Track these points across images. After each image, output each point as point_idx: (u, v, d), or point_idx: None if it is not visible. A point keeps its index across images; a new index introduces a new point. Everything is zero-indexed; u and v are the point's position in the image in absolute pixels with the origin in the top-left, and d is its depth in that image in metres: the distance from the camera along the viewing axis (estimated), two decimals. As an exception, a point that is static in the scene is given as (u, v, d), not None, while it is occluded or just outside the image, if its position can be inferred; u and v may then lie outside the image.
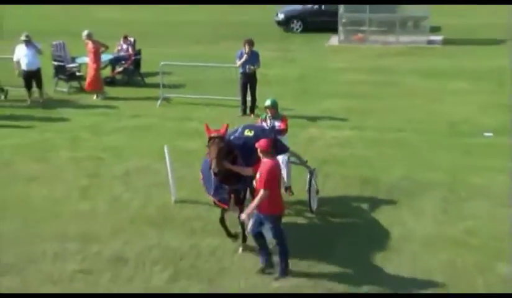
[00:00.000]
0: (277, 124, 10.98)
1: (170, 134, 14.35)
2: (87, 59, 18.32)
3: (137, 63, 19.64)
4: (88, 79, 18.01)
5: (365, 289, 8.47)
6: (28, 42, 16.91)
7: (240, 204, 9.30)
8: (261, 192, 8.35)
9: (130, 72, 19.60)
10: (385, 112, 16.06)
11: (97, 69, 17.96)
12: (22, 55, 16.99)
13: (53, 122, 15.92)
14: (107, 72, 19.43)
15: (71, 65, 18.89)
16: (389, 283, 8.65)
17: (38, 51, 17.08)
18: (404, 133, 14.33)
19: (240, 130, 9.78)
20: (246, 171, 9.01)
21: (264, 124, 10.99)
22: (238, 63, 15.76)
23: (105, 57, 19.06)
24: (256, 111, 15.84)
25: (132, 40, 19.93)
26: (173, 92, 17.71)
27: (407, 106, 16.35)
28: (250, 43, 15.77)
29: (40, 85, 17.30)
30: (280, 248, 8.73)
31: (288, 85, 18.63)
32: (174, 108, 16.82)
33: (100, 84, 18.18)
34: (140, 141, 14.32)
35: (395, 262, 9.13)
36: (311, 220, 10.48)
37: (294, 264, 8.87)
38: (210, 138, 8.74)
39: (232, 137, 9.45)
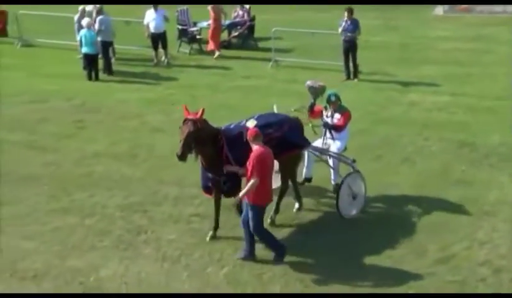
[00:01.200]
0: (336, 118, 9.39)
1: (278, 94, 14.28)
2: (206, 24, 18.73)
3: (251, 28, 19.64)
4: (209, 40, 18.36)
5: (457, 248, 8.15)
6: (156, 8, 17.31)
7: (224, 195, 8.17)
8: (251, 180, 7.40)
9: (244, 37, 19.62)
10: (484, 79, 15.23)
11: (217, 33, 18.24)
12: (150, 19, 17.37)
13: (176, 80, 16.23)
14: (224, 36, 19.56)
15: (193, 29, 19.11)
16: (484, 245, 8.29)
17: (165, 18, 17.47)
18: (502, 101, 13.55)
19: (244, 121, 8.36)
20: (242, 172, 7.78)
21: (324, 113, 9.43)
22: (340, 30, 15.48)
23: (223, 22, 19.27)
24: (359, 76, 15.58)
25: (247, 7, 19.88)
26: (282, 55, 17.55)
27: (506, 74, 15.42)
28: (350, 11, 15.38)
29: (165, 47, 17.68)
30: (260, 241, 7.83)
31: (389, 51, 18.02)
32: (283, 71, 16.69)
33: (218, 45, 18.44)
34: (251, 99, 14.34)
35: (490, 225, 8.72)
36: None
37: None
38: (184, 120, 7.67)
39: (223, 127, 8.17)
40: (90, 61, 16.06)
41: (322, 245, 8.28)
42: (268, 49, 17.75)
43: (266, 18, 20.24)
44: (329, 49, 16.71)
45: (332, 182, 9.49)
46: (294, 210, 9.04)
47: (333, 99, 9.37)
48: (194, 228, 8.72)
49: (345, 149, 9.55)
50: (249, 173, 7.43)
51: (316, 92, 9.40)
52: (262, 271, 7.65)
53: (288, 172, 8.82)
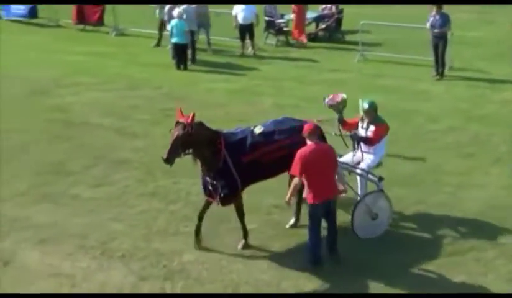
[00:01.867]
0: (371, 130, 8.48)
1: (364, 88, 14.13)
2: (292, 16, 18.88)
3: (338, 21, 19.53)
4: (294, 31, 18.65)
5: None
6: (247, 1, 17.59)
7: (221, 201, 7.75)
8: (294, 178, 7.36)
9: (331, 30, 19.55)
10: None
11: (302, 24, 18.47)
12: (239, 10, 17.64)
13: (262, 71, 16.39)
14: (311, 28, 19.55)
15: (280, 21, 19.22)
16: None
17: (256, 14, 17.78)
18: None
19: (252, 127, 8.01)
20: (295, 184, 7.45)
21: (359, 125, 8.64)
22: (428, 24, 15.10)
23: (310, 14, 19.29)
24: (445, 72, 15.20)
25: (336, -1, 19.83)
26: (369, 49, 17.34)
27: None
28: (438, 6, 14.99)
29: (252, 38, 17.88)
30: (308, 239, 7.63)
31: (483, 46, 17.42)
32: (370, 65, 16.50)
33: (303, 36, 18.57)
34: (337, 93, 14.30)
35: None
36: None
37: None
38: (176, 123, 7.48)
39: (225, 131, 7.89)
40: (179, 51, 16.47)
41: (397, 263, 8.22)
42: (355, 43, 17.59)
43: (354, 11, 20.02)
44: (418, 44, 16.34)
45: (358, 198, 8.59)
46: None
47: (365, 106, 8.49)
48: (274, 219, 8.81)
49: (381, 164, 8.78)
50: (292, 171, 7.39)
51: (338, 107, 8.57)
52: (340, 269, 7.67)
53: None
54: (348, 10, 19.79)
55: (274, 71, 16.37)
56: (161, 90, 14.77)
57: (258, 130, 7.83)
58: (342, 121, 8.61)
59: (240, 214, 7.93)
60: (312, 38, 19.22)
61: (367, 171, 8.52)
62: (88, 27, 21.22)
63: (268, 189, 9.29)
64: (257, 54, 17.82)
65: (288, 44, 18.92)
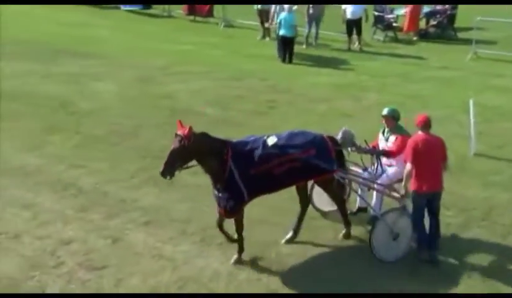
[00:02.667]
0: (391, 141, 7.88)
1: (475, 88, 13.59)
2: (403, 11, 18.47)
3: (451, 18, 18.86)
4: (406, 23, 18.44)
5: None
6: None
7: (226, 214, 7.44)
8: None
9: (443, 26, 18.93)
10: None
11: (416, 17, 18.24)
12: (348, 5, 17.48)
13: (367, 66, 16.15)
14: (421, 24, 19.05)
15: (389, 16, 18.85)
16: None
17: (364, 9, 17.53)
18: None
19: (265, 136, 7.58)
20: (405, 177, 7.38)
21: (380, 136, 8.08)
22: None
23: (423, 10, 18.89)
24: None
25: (449, -6, 19.18)
26: (484, 47, 16.64)
27: None
28: None
29: (359, 33, 17.66)
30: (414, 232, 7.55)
31: None
32: (483, 64, 15.85)
33: (417, 28, 18.38)
34: (445, 91, 13.82)
35: None
36: None
37: None
38: (175, 135, 7.24)
39: (235, 140, 7.55)
40: (286, 44, 16.54)
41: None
42: (468, 40, 16.95)
43: (470, 7, 19.27)
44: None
45: (371, 213, 8.12)
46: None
47: (383, 112, 7.95)
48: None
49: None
50: (404, 158, 7.51)
51: (348, 143, 7.87)
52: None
53: (331, 196, 8.05)
54: (463, 5, 19.06)
55: (379, 67, 16.09)
56: (266, 82, 14.90)
57: (271, 141, 7.44)
58: (362, 149, 7.92)
59: (239, 228, 7.53)
60: (423, 34, 18.71)
61: (386, 186, 7.88)
62: (198, 18, 21.81)
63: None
64: (363, 49, 17.59)
65: (396, 40, 18.52)
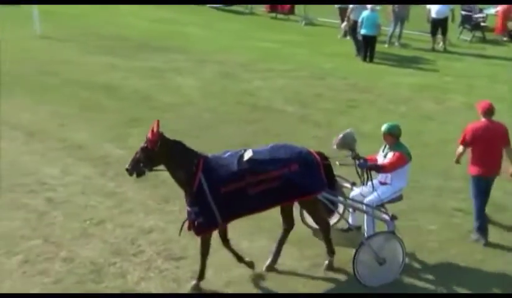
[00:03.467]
0: (388, 157, 7.34)
1: None
2: (494, 10, 17.85)
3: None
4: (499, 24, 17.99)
5: None
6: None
7: (194, 231, 6.79)
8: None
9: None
10: None
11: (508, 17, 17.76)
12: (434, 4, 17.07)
13: (452, 67, 15.70)
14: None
15: (478, 15, 18.24)
16: None
17: (450, 9, 17.08)
18: None
19: (242, 150, 6.86)
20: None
21: (380, 152, 7.55)
22: None
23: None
24: None
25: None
26: None
27: None
28: None
29: (444, 33, 17.19)
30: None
31: None
32: None
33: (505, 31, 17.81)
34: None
35: None
36: None
37: None
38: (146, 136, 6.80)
39: (210, 155, 6.87)
40: (368, 43, 16.32)
41: None
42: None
43: None
44: None
45: (364, 235, 7.37)
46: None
47: (382, 130, 7.39)
48: (456, 222, 8.41)
49: (399, 198, 7.51)
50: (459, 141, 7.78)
51: (346, 146, 7.28)
52: None
53: (316, 219, 7.30)
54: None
55: (465, 67, 15.60)
56: (346, 80, 14.75)
57: (246, 156, 6.72)
58: (358, 157, 7.25)
59: (204, 249, 6.89)
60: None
61: (375, 207, 7.27)
62: (280, 16, 21.87)
63: (453, 190, 8.97)
64: (448, 49, 17.10)
65: (483, 40, 17.90)
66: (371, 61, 16.31)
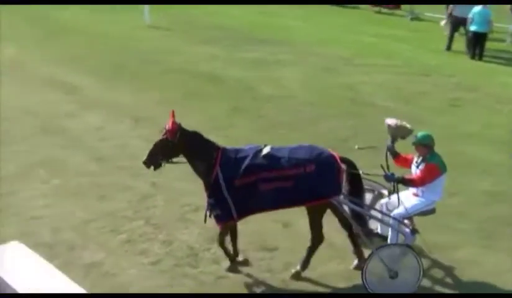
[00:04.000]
0: (420, 169, 6.90)
1: None
2: None
3: None
4: None
5: None
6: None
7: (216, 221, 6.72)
8: None
9: None
10: None
11: None
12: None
13: None
14: None
15: None
16: None
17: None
18: None
19: (262, 146, 6.69)
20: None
21: (414, 162, 7.05)
22: None
23: None
24: None
25: None
26: None
27: None
28: None
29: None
30: None
31: None
32: None
33: None
34: None
35: None
36: None
37: None
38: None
39: (230, 147, 6.82)
40: (477, 40, 15.67)
41: None
42: None
43: None
44: None
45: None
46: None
47: (414, 140, 6.93)
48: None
49: (432, 211, 7.06)
50: None
51: (395, 133, 7.01)
52: None
53: (312, 225, 6.89)
54: None
55: None
56: (452, 78, 14.26)
57: (264, 151, 6.56)
58: (392, 151, 7.04)
59: (220, 238, 6.91)
60: None
61: (399, 220, 6.82)
62: (384, 10, 21.43)
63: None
64: None
65: None
66: (480, 58, 15.67)
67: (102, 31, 17.91)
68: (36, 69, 14.39)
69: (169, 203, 8.61)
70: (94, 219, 8.10)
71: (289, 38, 17.82)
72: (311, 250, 6.92)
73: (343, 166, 6.66)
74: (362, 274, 6.54)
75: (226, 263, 7.17)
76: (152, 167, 6.87)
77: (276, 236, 7.77)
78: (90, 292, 5.66)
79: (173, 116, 6.73)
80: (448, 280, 7.06)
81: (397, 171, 7.04)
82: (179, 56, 15.92)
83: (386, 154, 7.05)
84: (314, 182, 6.42)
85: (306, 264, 6.93)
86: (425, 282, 6.83)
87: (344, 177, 6.67)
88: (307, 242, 6.97)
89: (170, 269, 7.15)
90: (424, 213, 7.03)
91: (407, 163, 7.12)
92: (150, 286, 6.81)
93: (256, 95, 13.17)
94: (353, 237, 7.00)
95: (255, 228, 8.03)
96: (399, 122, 6.98)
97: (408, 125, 6.99)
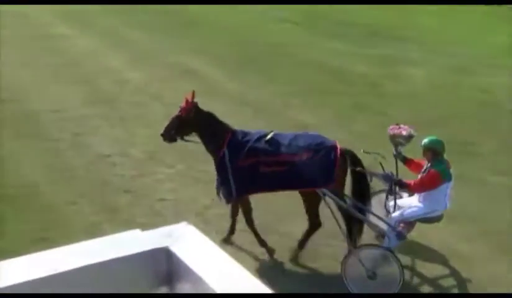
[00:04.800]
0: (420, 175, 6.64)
1: None
2: None
3: None
4: None
5: None
6: None
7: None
8: None
9: None
10: None
11: None
12: None
13: None
14: None
15: None
16: None
17: None
18: None
19: (268, 131, 6.99)
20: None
21: (424, 165, 6.73)
22: None
23: None
24: None
25: None
26: None
27: None
28: None
29: None
30: None
31: None
32: None
33: None
34: None
35: None
36: None
37: None
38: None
39: (239, 130, 7.09)
40: None
41: None
42: None
43: None
44: None
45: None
46: None
47: (422, 144, 6.64)
48: None
49: (437, 219, 6.77)
50: None
51: (392, 141, 6.87)
52: None
53: (309, 212, 7.01)
54: None
55: None
56: None
57: (268, 136, 6.87)
58: (400, 158, 6.89)
59: (246, 219, 7.20)
60: None
61: (388, 222, 6.68)
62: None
63: None
64: None
65: None
66: None
67: (231, 23, 18.35)
68: (166, 58, 15.02)
69: (289, 197, 8.62)
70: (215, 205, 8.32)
71: (419, 36, 17.31)
72: (307, 234, 7.13)
73: (345, 160, 6.72)
74: (341, 271, 6.60)
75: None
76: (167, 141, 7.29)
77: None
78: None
79: (193, 96, 7.08)
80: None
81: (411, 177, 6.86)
82: (306, 49, 15.98)
83: (396, 161, 6.98)
84: (307, 170, 6.63)
85: (302, 244, 7.15)
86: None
87: (345, 171, 6.78)
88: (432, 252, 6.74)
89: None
90: (427, 220, 6.82)
91: (420, 169, 6.89)
92: (270, 276, 6.79)
93: (382, 92, 12.94)
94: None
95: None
96: (395, 130, 6.90)
97: (404, 132, 6.86)
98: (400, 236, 6.63)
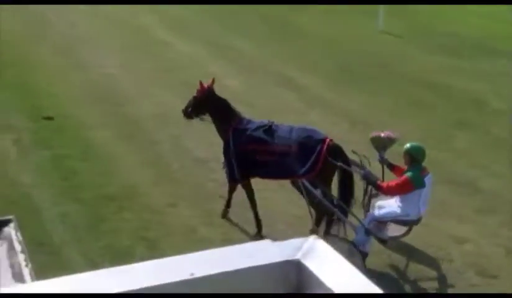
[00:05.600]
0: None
1: None
2: None
3: None
4: None
5: None
6: None
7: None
8: None
9: None
10: None
11: None
12: None
13: None
14: None
15: None
16: None
17: None
18: None
19: (269, 121, 7.56)
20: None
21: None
22: None
23: None
24: None
25: None
26: None
27: None
28: None
29: None
30: None
31: None
32: None
33: None
34: None
35: None
36: None
37: None
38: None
39: (248, 118, 7.81)
40: None
41: None
42: None
43: None
44: None
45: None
46: None
47: (404, 147, 6.88)
48: None
49: (413, 223, 6.99)
50: None
51: (374, 145, 7.15)
52: None
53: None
54: None
55: None
56: None
57: (266, 126, 7.44)
58: (386, 163, 7.10)
59: (251, 202, 7.78)
60: None
61: (363, 224, 6.86)
62: None
63: None
64: None
65: None
66: None
67: (334, 35, 18.18)
68: (265, 66, 15.15)
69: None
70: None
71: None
72: (317, 219, 7.47)
73: (334, 156, 7.06)
74: None
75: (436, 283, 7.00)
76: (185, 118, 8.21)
77: (498, 263, 7.38)
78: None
79: (212, 82, 7.98)
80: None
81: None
82: (409, 63, 15.59)
83: (382, 166, 7.15)
84: (292, 161, 7.12)
85: (317, 223, 7.48)
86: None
87: (332, 167, 7.10)
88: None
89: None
90: (404, 223, 7.01)
91: (399, 173, 7.05)
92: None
93: (485, 109, 12.49)
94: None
95: (474, 249, 7.69)
96: (375, 133, 7.17)
97: (383, 134, 7.08)
98: (368, 233, 6.81)
